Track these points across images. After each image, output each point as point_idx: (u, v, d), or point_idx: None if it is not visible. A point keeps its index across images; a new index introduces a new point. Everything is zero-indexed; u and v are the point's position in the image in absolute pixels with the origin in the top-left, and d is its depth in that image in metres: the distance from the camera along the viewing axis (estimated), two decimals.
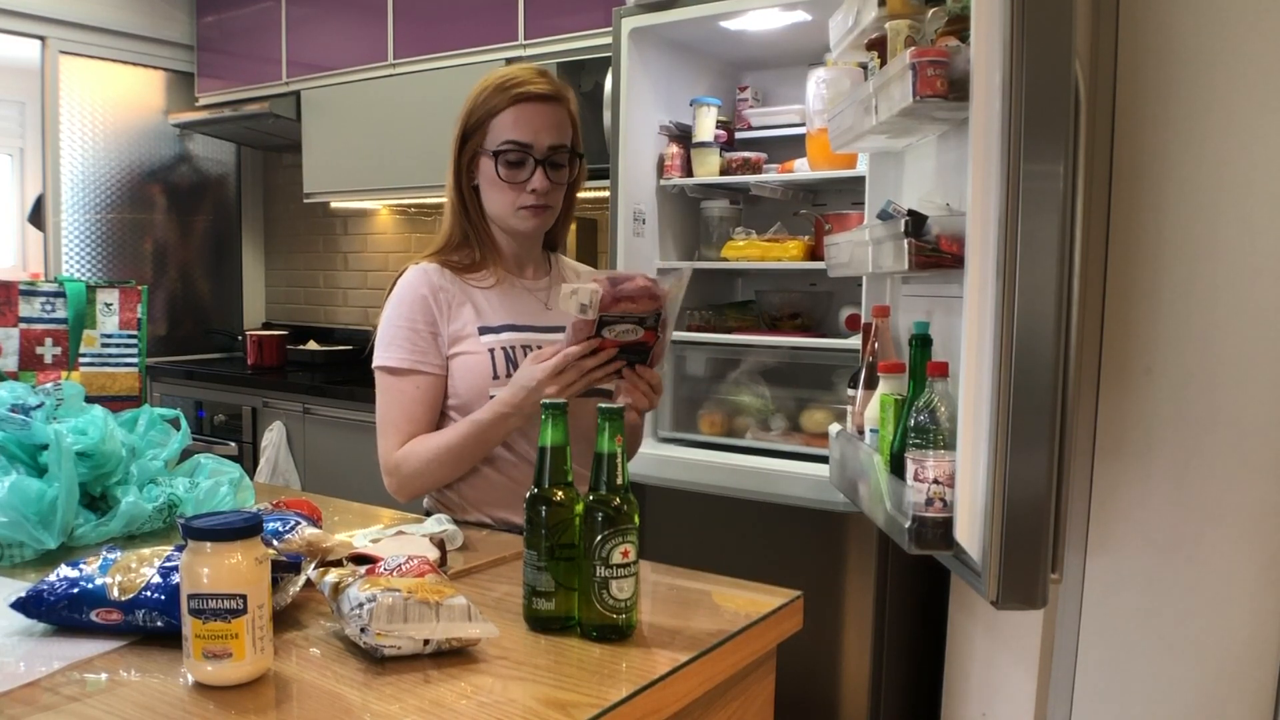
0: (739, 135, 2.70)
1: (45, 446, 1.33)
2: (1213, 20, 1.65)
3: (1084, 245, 1.55)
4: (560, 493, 1.06)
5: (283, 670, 0.96)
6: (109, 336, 1.80)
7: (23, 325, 1.74)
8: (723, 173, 2.56)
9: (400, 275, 1.60)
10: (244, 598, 0.90)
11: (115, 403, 1.73)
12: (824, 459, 2.10)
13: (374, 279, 4.18)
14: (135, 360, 1.82)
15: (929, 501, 1.34)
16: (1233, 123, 1.65)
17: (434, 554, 1.20)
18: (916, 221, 1.48)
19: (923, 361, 1.43)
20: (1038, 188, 1.23)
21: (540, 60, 3.01)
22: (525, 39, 3.12)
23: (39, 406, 1.38)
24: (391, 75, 3.49)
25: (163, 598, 0.99)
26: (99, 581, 1.01)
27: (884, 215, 1.66)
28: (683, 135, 2.60)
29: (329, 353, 3.94)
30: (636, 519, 1.05)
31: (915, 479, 1.36)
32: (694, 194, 2.70)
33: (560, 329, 1.49)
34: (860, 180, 2.16)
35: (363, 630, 0.97)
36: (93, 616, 1.01)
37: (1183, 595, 1.73)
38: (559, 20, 3.04)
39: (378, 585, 1.00)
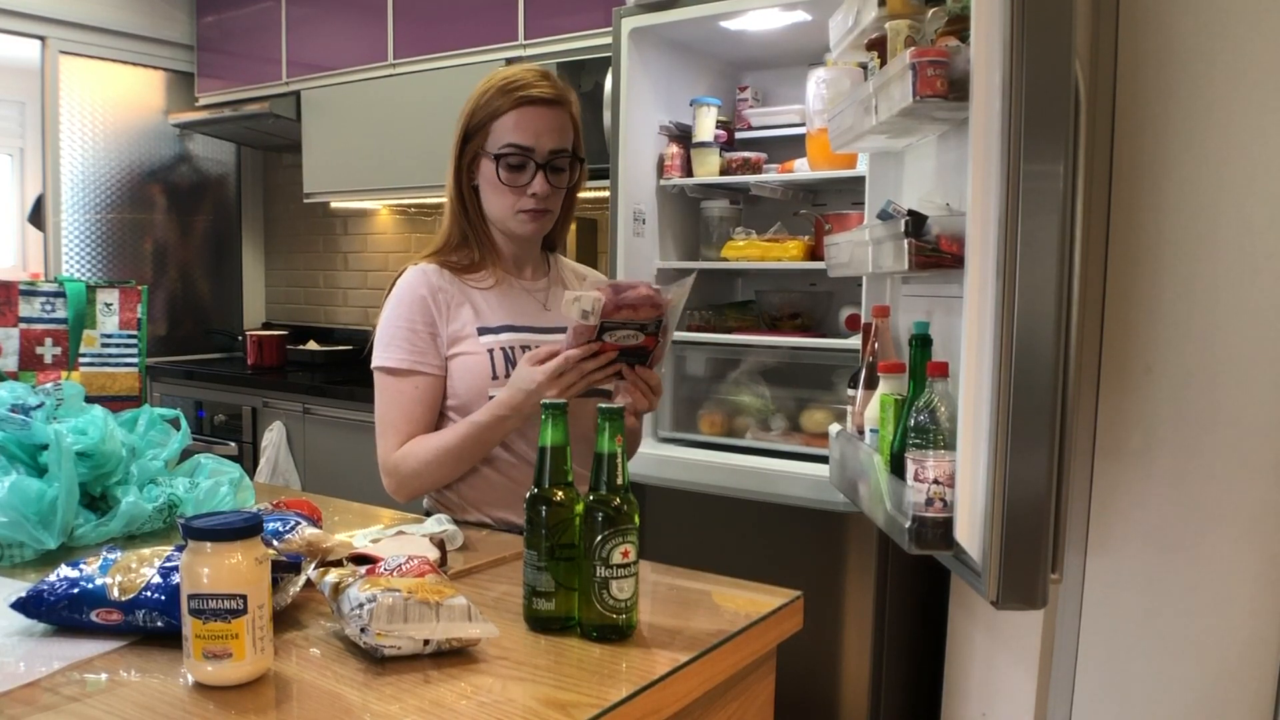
0: (739, 135, 2.69)
1: (45, 446, 1.33)
2: (1213, 21, 1.65)
3: (1084, 245, 1.55)
4: (560, 493, 1.06)
5: (283, 670, 0.96)
6: (109, 336, 1.80)
7: (23, 325, 1.74)
8: (723, 173, 2.56)
9: (399, 276, 1.60)
10: (244, 598, 0.90)
11: (115, 403, 1.73)
12: (824, 459, 2.10)
13: (374, 279, 4.18)
14: (135, 360, 1.82)
15: (929, 501, 1.34)
16: (1233, 123, 1.65)
17: (434, 554, 1.20)
18: (916, 221, 1.48)
19: (923, 361, 1.43)
20: (1038, 188, 1.23)
21: (540, 60, 3.01)
22: (525, 39, 3.12)
23: (39, 406, 1.38)
24: (391, 75, 3.49)
25: (163, 598, 0.99)
26: (99, 581, 1.01)
27: (884, 215, 1.66)
28: (683, 135, 2.60)
29: (329, 353, 3.94)
30: (636, 519, 1.05)
31: (915, 479, 1.36)
32: (694, 194, 2.70)
33: (559, 330, 1.49)
34: (860, 180, 2.16)
35: (363, 630, 0.97)
36: (93, 616, 1.01)
37: (1183, 595, 1.73)
38: (559, 20, 3.04)
39: (378, 585, 1.00)
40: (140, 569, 1.02)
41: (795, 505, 2.24)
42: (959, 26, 1.42)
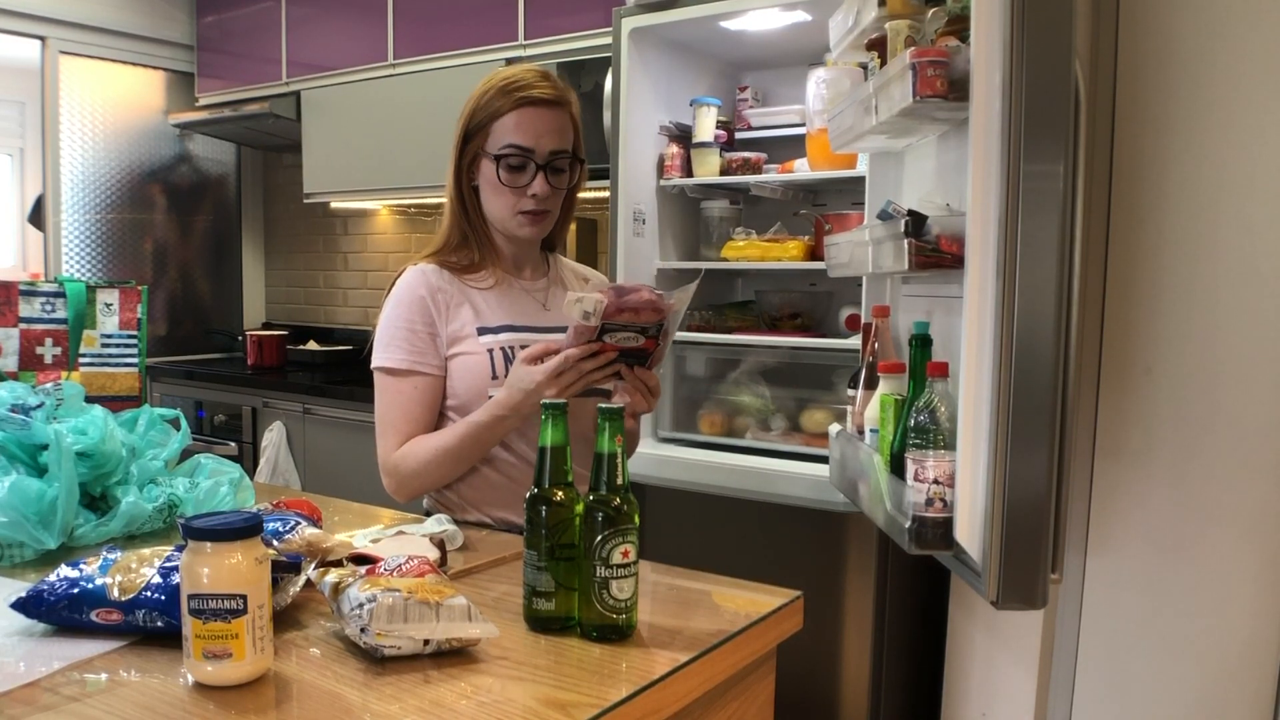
0: (739, 135, 2.69)
1: (45, 446, 1.33)
2: (1212, 21, 1.65)
3: (1084, 245, 1.55)
4: (560, 493, 1.06)
5: (283, 670, 0.96)
6: (109, 336, 1.80)
7: (23, 325, 1.74)
8: (723, 173, 2.56)
9: (399, 276, 1.60)
10: (244, 598, 0.90)
11: (115, 403, 1.73)
12: (824, 459, 2.10)
13: (374, 279, 4.18)
14: (135, 360, 1.82)
15: (929, 501, 1.34)
16: (1233, 123, 1.65)
17: (434, 554, 1.20)
18: (916, 221, 1.48)
19: (923, 361, 1.43)
20: (1038, 188, 1.23)
21: (540, 60, 3.01)
22: (525, 39, 3.12)
23: (39, 406, 1.38)
24: (391, 75, 3.49)
25: (163, 598, 0.99)
26: (99, 581, 1.01)
27: (884, 215, 1.66)
28: (683, 135, 2.60)
29: (329, 353, 3.94)
30: (636, 519, 1.05)
31: (915, 479, 1.36)
32: (694, 194, 2.70)
33: (558, 329, 1.49)
34: (860, 180, 2.16)
35: (363, 630, 0.97)
36: (93, 616, 1.01)
37: (1183, 595, 1.73)
38: (559, 20, 3.04)
39: (378, 585, 1.00)
40: (140, 569, 1.02)
41: (795, 505, 2.24)
42: (959, 26, 1.42)
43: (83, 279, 1.82)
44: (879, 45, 1.66)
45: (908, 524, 1.36)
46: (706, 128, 2.55)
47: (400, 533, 1.33)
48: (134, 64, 4.04)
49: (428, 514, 1.51)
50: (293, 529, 1.15)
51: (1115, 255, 1.75)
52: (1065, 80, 1.24)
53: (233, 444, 3.63)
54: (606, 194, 2.56)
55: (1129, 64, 1.71)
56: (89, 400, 1.50)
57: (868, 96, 1.63)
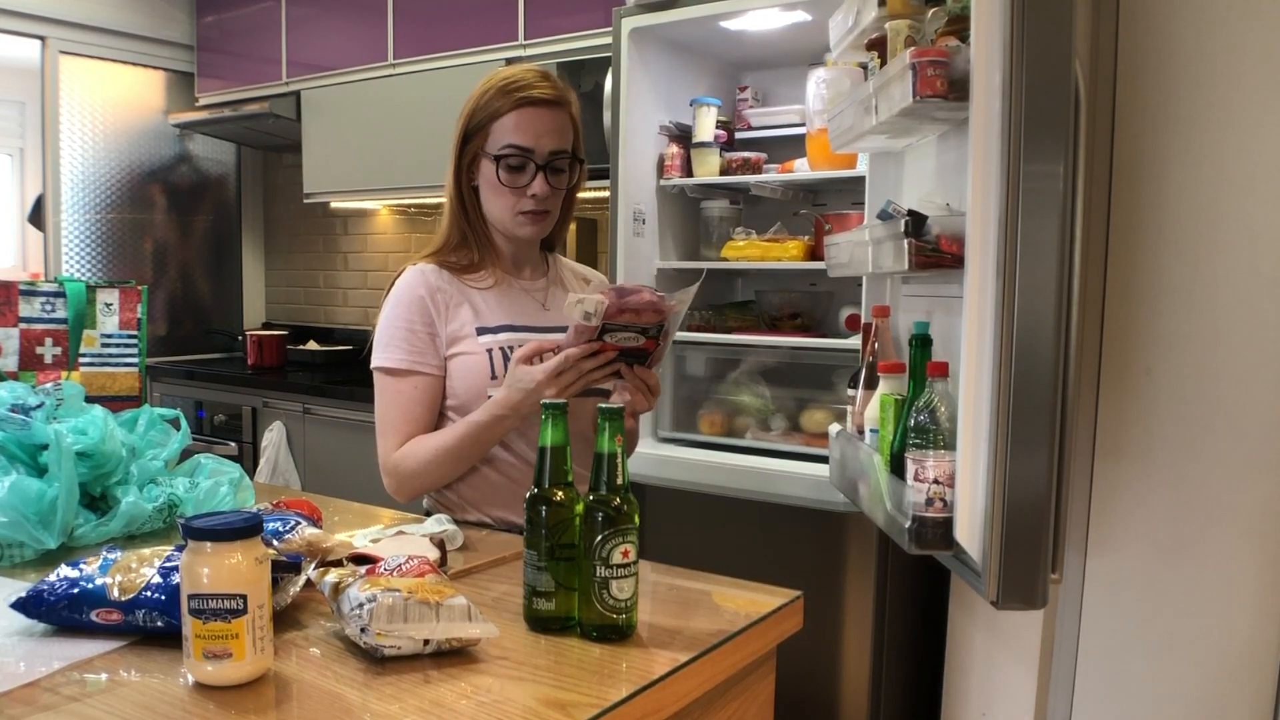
0: (739, 135, 2.70)
1: (45, 446, 1.33)
2: (1212, 21, 1.65)
3: (1084, 245, 1.55)
4: (560, 493, 1.06)
5: (283, 670, 0.96)
6: (109, 336, 1.80)
7: (23, 325, 1.74)
8: (723, 173, 2.56)
9: (398, 276, 1.60)
10: (244, 598, 0.90)
11: (115, 403, 1.73)
12: (824, 459, 2.10)
13: (374, 279, 4.18)
14: (135, 360, 1.82)
15: (929, 501, 1.34)
16: (1233, 123, 1.65)
17: (434, 554, 1.20)
18: (916, 221, 1.48)
19: (923, 361, 1.43)
20: (1038, 188, 1.23)
21: (540, 60, 3.02)
22: (525, 39, 3.12)
23: (39, 406, 1.38)
24: (391, 75, 3.49)
25: (163, 598, 0.99)
26: (99, 581, 1.01)
27: (884, 215, 1.66)
28: (683, 135, 2.60)
29: (329, 353, 3.94)
30: (636, 519, 1.05)
31: (915, 479, 1.36)
32: (694, 194, 2.70)
33: (558, 329, 1.49)
34: (860, 180, 2.16)
35: (363, 630, 0.97)
36: (93, 616, 1.01)
37: (1183, 595, 1.72)
38: (559, 20, 3.04)
39: (378, 585, 1.00)
40: (140, 569, 1.02)
41: (795, 505, 2.24)
42: (959, 26, 1.42)
43: (83, 279, 1.82)
44: (879, 45, 1.66)
45: (908, 524, 1.36)
46: (706, 128, 2.55)
47: (400, 533, 1.33)
48: (134, 64, 4.04)
49: (428, 514, 1.51)
50: (293, 529, 1.15)
51: (1115, 255, 1.75)
52: (1065, 80, 1.24)
53: (233, 444, 3.63)
54: (606, 194, 2.56)
55: (1129, 64, 1.71)
56: (89, 400, 1.50)
57: (868, 96, 1.63)
